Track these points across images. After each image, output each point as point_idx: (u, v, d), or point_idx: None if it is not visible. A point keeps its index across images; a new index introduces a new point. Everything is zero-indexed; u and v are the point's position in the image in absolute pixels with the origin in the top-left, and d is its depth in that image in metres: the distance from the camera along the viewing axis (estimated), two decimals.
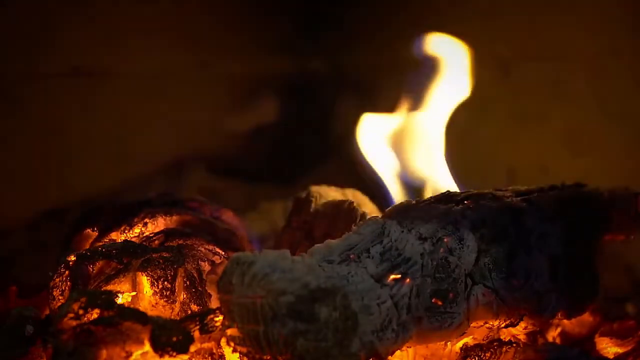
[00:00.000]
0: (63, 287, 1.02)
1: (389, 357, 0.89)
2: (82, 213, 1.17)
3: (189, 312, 0.99)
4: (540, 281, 0.94)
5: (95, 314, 0.85)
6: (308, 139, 1.69)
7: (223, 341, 0.89)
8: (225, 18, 1.58)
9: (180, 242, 1.07)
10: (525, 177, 1.15)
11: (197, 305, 1.00)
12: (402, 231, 0.91)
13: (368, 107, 1.60)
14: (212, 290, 1.01)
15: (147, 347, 0.85)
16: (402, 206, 0.97)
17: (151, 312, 0.93)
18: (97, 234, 1.11)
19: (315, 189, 1.20)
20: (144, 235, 1.10)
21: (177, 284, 1.00)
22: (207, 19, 1.56)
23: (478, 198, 0.97)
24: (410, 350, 0.98)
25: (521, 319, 0.95)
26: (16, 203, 1.36)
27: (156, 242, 1.09)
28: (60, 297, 1.02)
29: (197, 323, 0.86)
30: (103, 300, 0.86)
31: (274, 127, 1.67)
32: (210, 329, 0.87)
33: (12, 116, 1.35)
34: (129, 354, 0.85)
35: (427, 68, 1.21)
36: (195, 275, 1.02)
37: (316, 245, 0.90)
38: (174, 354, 0.84)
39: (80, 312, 0.85)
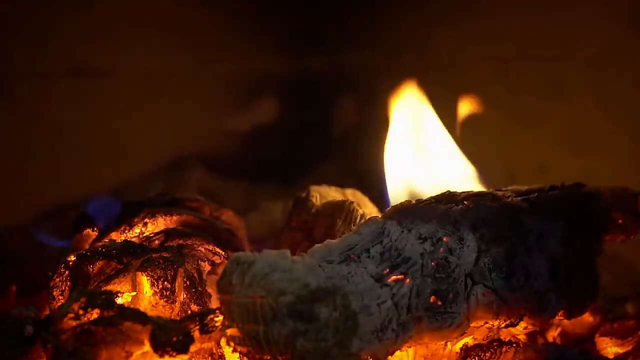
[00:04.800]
0: (63, 287, 1.02)
1: (389, 357, 0.89)
2: (82, 213, 1.17)
3: (189, 312, 0.99)
4: (540, 281, 0.94)
5: (95, 314, 0.85)
6: (308, 139, 1.68)
7: (223, 341, 0.89)
8: (225, 18, 1.58)
9: (180, 242, 1.07)
10: (525, 177, 1.15)
11: (197, 305, 1.00)
12: (402, 231, 0.91)
13: (368, 107, 1.60)
14: (212, 290, 1.01)
15: (147, 347, 0.85)
16: (402, 206, 0.97)
17: (151, 312, 0.93)
18: (97, 234, 1.11)
19: (315, 189, 1.20)
20: (144, 235, 1.10)
21: (177, 284, 1.00)
22: (207, 19, 1.56)
23: (478, 198, 0.97)
24: (410, 350, 0.98)
25: (521, 319, 0.95)
26: (15, 203, 1.36)
27: (156, 242, 1.09)
28: (60, 297, 1.02)
29: (197, 323, 0.86)
30: (103, 300, 0.86)
31: (274, 127, 1.67)
32: (210, 329, 0.87)
33: (12, 116, 1.35)
34: (129, 354, 0.85)
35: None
36: (195, 275, 1.02)
37: (316, 245, 0.90)
38: (174, 354, 0.84)
39: (80, 312, 0.85)
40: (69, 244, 1.12)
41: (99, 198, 1.15)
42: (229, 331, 0.83)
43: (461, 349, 0.99)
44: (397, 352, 0.91)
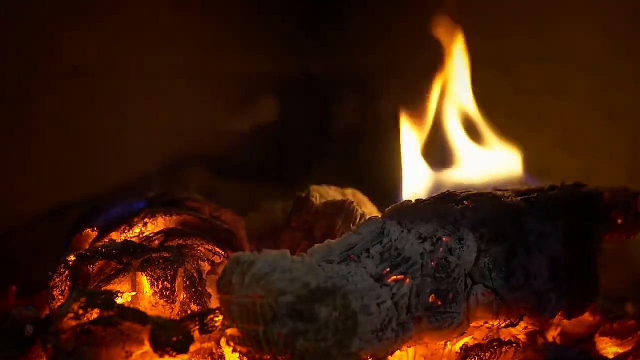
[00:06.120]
0: (63, 287, 1.02)
1: (389, 357, 0.89)
2: (82, 213, 1.17)
3: (189, 312, 0.99)
4: (540, 281, 0.94)
5: (95, 314, 0.85)
6: (308, 139, 1.68)
7: (223, 341, 0.89)
8: (226, 18, 1.58)
9: (180, 242, 1.07)
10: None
11: (197, 305, 1.00)
12: (402, 231, 0.91)
13: (368, 107, 1.60)
14: (212, 290, 1.01)
15: (147, 347, 0.85)
16: (402, 206, 0.97)
17: (151, 312, 0.93)
18: (97, 234, 1.11)
19: (315, 189, 1.20)
20: (144, 235, 1.10)
21: (177, 284, 1.00)
22: (207, 18, 1.56)
23: (478, 198, 0.97)
24: (410, 350, 0.98)
25: (521, 319, 0.95)
26: (16, 203, 1.35)
27: (156, 242, 1.09)
28: (60, 297, 1.02)
29: (197, 323, 0.86)
30: (103, 300, 0.86)
31: (274, 127, 1.66)
32: (210, 329, 0.87)
33: (12, 116, 1.35)
34: (129, 354, 0.85)
35: None
36: (195, 275, 1.02)
37: (316, 245, 0.90)
38: (174, 354, 0.84)
39: (80, 312, 0.85)
40: (68, 244, 1.12)
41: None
42: (229, 331, 0.83)
43: (461, 349, 0.99)
44: (397, 352, 0.91)
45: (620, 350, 1.07)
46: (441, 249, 0.91)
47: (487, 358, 0.97)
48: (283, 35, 1.63)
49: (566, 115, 1.43)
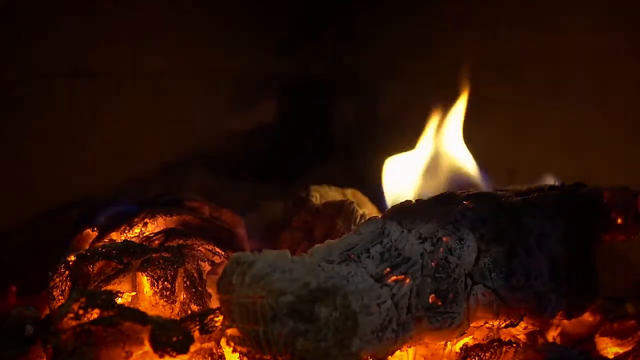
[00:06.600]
0: (63, 287, 1.02)
1: (389, 357, 0.89)
2: (82, 213, 1.18)
3: (189, 312, 0.99)
4: (540, 281, 0.94)
5: (95, 314, 0.85)
6: (308, 139, 1.69)
7: (223, 341, 0.89)
8: (226, 18, 1.58)
9: (180, 242, 1.07)
10: (525, 177, 1.15)
11: (197, 305, 1.00)
12: (402, 231, 0.91)
13: (368, 107, 1.60)
14: (212, 290, 1.01)
15: (147, 347, 0.85)
16: (402, 206, 0.97)
17: (151, 312, 0.93)
18: (97, 234, 1.11)
19: (315, 189, 1.21)
20: (144, 235, 1.10)
21: (177, 284, 1.00)
22: (207, 19, 1.56)
23: (478, 198, 0.97)
24: (410, 350, 0.98)
25: (521, 319, 0.95)
26: (16, 203, 1.35)
27: (156, 242, 1.09)
28: (60, 297, 1.02)
29: (197, 323, 0.86)
30: (103, 300, 0.86)
31: (274, 127, 1.67)
32: (210, 329, 0.87)
33: (12, 116, 1.35)
34: (129, 354, 0.85)
35: None
36: (195, 275, 1.02)
37: (316, 245, 0.90)
38: (174, 354, 0.84)
39: (80, 312, 0.85)
40: (68, 244, 1.12)
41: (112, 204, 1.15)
42: (229, 331, 0.83)
43: (461, 349, 0.99)
44: (397, 352, 0.91)
45: (620, 350, 1.08)
46: (441, 249, 0.91)
47: (487, 358, 0.97)
48: (283, 36, 1.63)
49: (566, 115, 1.43)
